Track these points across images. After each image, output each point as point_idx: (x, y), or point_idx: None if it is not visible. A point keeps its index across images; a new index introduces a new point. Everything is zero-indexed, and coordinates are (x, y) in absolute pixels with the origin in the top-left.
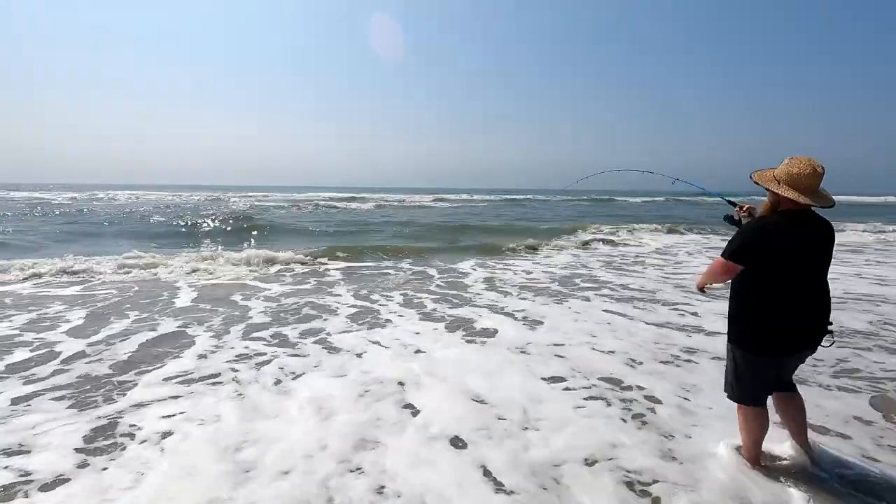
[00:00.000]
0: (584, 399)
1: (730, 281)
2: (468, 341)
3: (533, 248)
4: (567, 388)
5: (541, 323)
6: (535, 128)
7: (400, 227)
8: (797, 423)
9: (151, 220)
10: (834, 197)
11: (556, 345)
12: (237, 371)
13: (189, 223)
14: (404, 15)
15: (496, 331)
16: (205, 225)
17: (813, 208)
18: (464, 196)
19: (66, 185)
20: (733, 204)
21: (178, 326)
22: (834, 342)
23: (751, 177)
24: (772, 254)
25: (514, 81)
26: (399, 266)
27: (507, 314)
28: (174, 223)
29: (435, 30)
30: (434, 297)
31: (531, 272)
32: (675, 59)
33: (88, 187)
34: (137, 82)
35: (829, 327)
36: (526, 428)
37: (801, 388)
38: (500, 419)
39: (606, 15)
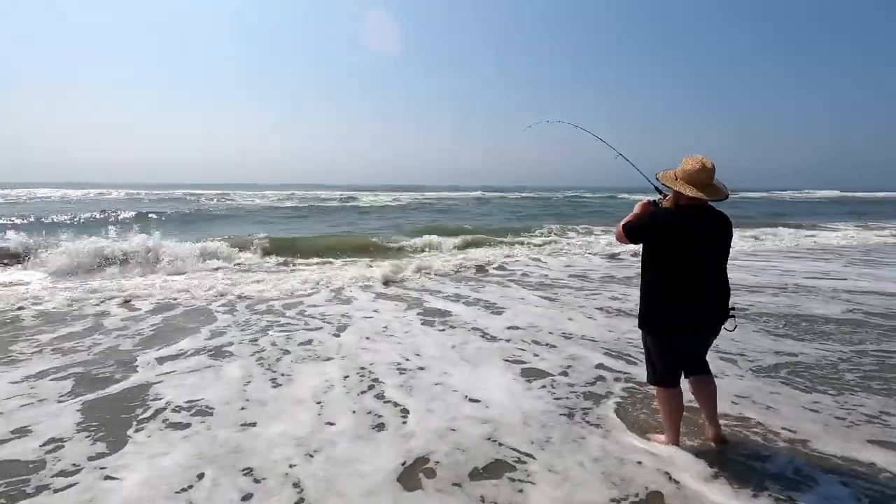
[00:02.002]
0: None
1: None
2: None
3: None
4: None
5: None
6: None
7: None
8: (708, 407)
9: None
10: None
11: None
12: None
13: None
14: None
15: None
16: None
17: (710, 203)
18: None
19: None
20: (659, 192)
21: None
22: (736, 326)
23: (656, 177)
24: (662, 238)
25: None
26: None
27: None
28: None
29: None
30: None
31: None
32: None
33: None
34: (140, 81)
35: (731, 312)
36: None
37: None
38: None
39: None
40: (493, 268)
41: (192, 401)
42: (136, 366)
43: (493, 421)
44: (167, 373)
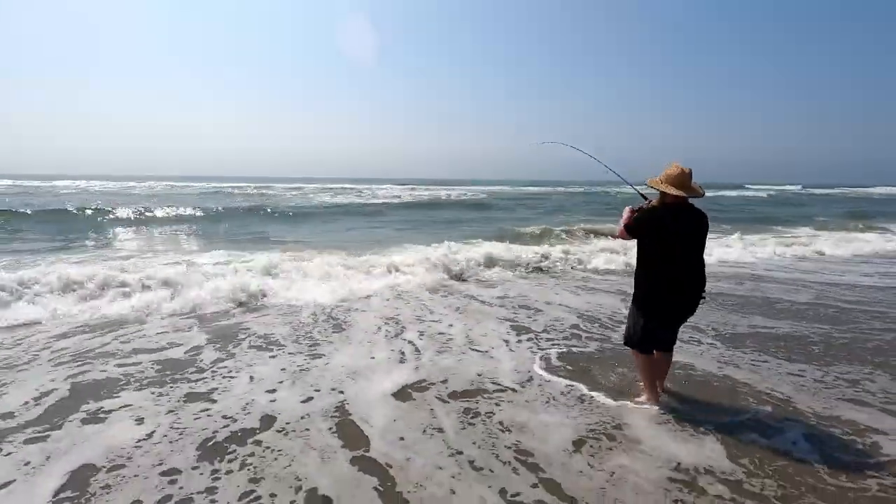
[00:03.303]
0: None
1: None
2: None
3: None
4: None
5: None
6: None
7: None
8: (661, 377)
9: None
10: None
11: None
12: None
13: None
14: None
15: None
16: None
17: (690, 201)
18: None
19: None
20: (645, 198)
21: None
22: (705, 301)
23: (647, 183)
24: (657, 231)
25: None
26: None
27: None
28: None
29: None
30: None
31: None
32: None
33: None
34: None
35: (703, 294)
36: None
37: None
38: None
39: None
40: None
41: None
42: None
43: None
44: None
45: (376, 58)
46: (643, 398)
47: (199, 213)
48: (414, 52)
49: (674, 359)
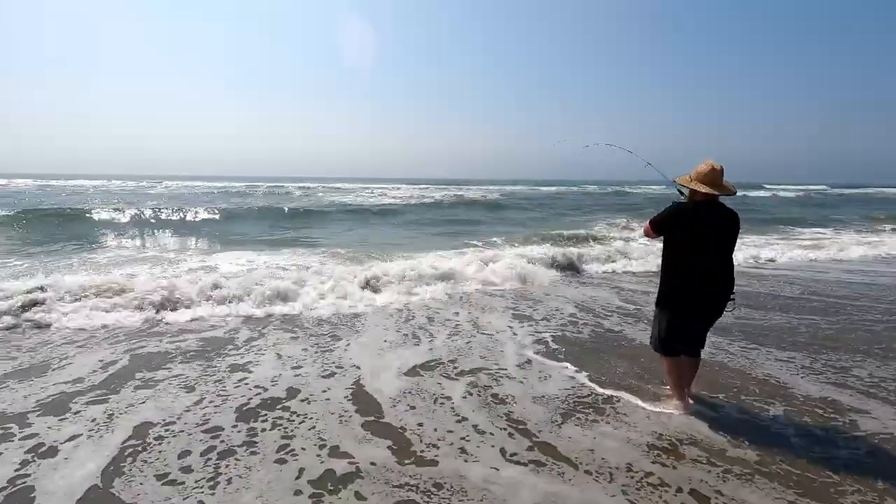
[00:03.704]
0: None
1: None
2: None
3: None
4: None
5: None
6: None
7: None
8: (689, 379)
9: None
10: None
11: None
12: None
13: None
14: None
15: None
16: None
17: (721, 199)
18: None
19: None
20: (682, 193)
21: None
22: (735, 308)
23: (674, 181)
24: (690, 224)
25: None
26: None
27: None
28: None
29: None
30: None
31: None
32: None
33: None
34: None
35: (732, 296)
36: None
37: None
38: None
39: None
40: None
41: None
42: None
43: None
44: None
45: (375, 56)
46: (672, 405)
47: (238, 213)
48: (414, 52)
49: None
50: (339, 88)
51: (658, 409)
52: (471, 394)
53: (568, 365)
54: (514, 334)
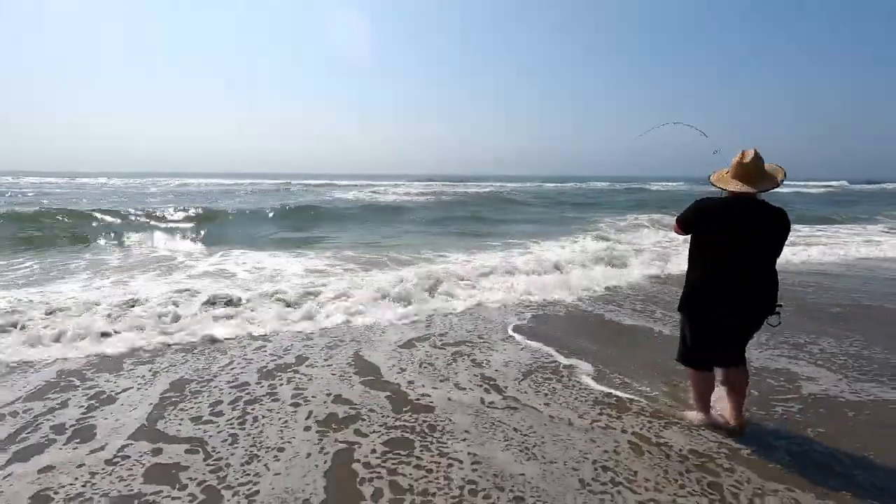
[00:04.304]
0: None
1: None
2: None
3: None
4: None
5: None
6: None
7: None
8: (735, 398)
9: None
10: None
11: None
12: None
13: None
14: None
15: None
16: None
17: (760, 195)
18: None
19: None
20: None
21: None
22: (780, 322)
23: (710, 180)
24: (709, 224)
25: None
26: None
27: None
28: None
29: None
30: None
31: None
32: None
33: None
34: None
35: (777, 307)
36: None
37: None
38: None
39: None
40: None
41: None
42: None
43: None
44: None
45: (371, 54)
46: (692, 415)
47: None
48: (414, 52)
49: (632, 322)
50: (338, 86)
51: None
52: None
53: None
54: None
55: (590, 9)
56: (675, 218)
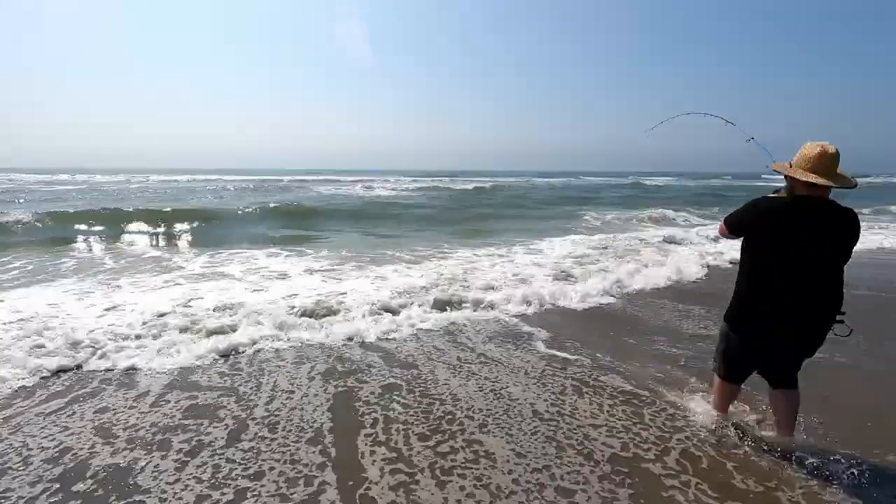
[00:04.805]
0: None
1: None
2: None
3: None
4: None
5: None
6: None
7: None
8: (786, 418)
9: None
10: None
11: None
12: None
13: None
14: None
15: None
16: None
17: (833, 199)
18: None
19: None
20: (777, 191)
21: None
22: (851, 331)
23: (770, 167)
24: (767, 235)
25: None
26: None
27: None
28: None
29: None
30: None
31: None
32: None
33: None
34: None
35: (840, 317)
36: None
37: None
38: None
39: None
40: None
41: None
42: None
43: None
44: None
45: (370, 53)
46: (702, 407)
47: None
48: (414, 52)
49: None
50: (339, 84)
51: None
52: None
53: None
54: None
55: (590, 8)
56: (724, 219)
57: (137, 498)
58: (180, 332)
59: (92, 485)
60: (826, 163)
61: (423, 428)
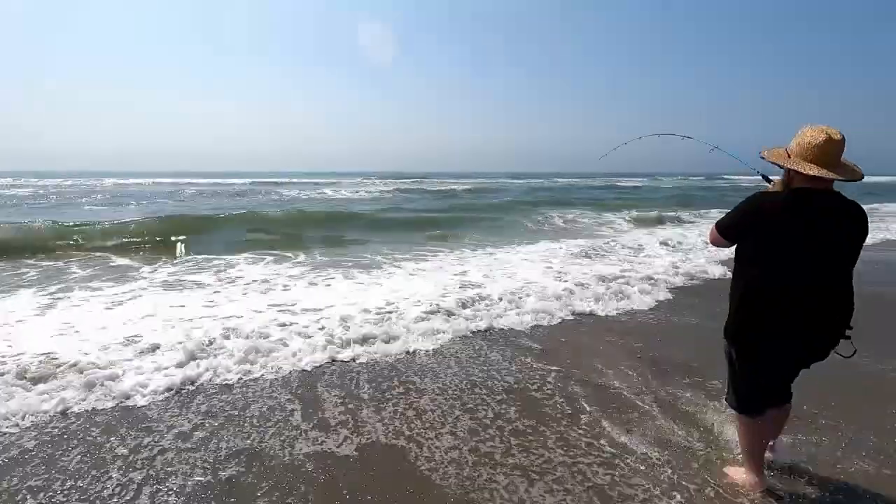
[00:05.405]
0: None
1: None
2: None
3: None
4: None
5: None
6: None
7: None
8: (775, 434)
9: None
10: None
11: None
12: None
13: None
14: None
15: None
16: None
17: (838, 189)
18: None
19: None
20: (768, 180)
21: None
22: (855, 351)
23: (761, 155)
24: (767, 237)
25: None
26: None
27: None
28: None
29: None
30: None
31: None
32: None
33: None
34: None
35: (848, 331)
36: None
37: None
38: None
39: None
40: None
41: None
42: None
43: None
44: None
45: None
46: (740, 476)
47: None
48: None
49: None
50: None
51: None
52: None
53: None
54: None
55: (590, 8)
56: (715, 224)
57: None
58: None
59: None
60: (833, 152)
61: None
